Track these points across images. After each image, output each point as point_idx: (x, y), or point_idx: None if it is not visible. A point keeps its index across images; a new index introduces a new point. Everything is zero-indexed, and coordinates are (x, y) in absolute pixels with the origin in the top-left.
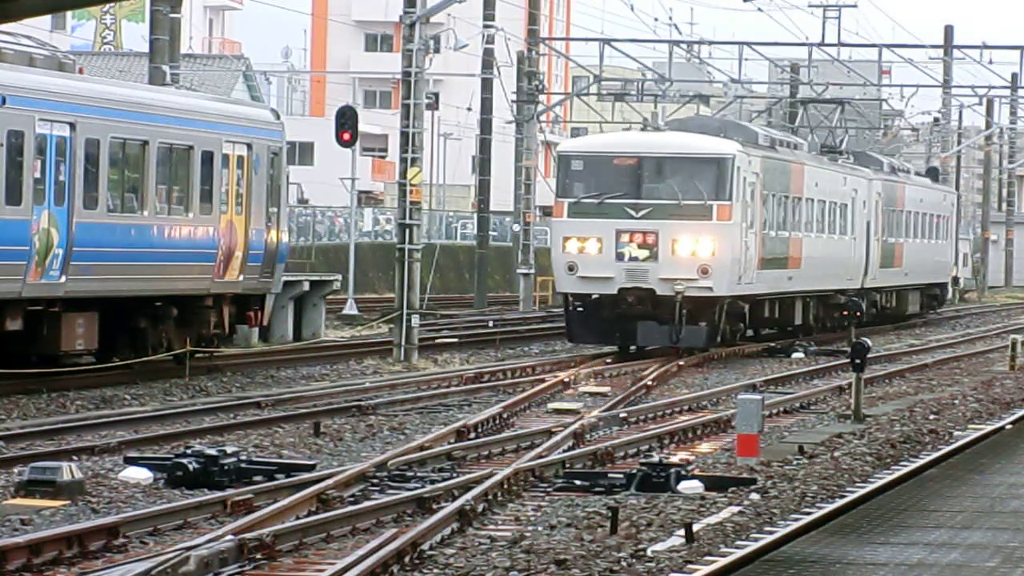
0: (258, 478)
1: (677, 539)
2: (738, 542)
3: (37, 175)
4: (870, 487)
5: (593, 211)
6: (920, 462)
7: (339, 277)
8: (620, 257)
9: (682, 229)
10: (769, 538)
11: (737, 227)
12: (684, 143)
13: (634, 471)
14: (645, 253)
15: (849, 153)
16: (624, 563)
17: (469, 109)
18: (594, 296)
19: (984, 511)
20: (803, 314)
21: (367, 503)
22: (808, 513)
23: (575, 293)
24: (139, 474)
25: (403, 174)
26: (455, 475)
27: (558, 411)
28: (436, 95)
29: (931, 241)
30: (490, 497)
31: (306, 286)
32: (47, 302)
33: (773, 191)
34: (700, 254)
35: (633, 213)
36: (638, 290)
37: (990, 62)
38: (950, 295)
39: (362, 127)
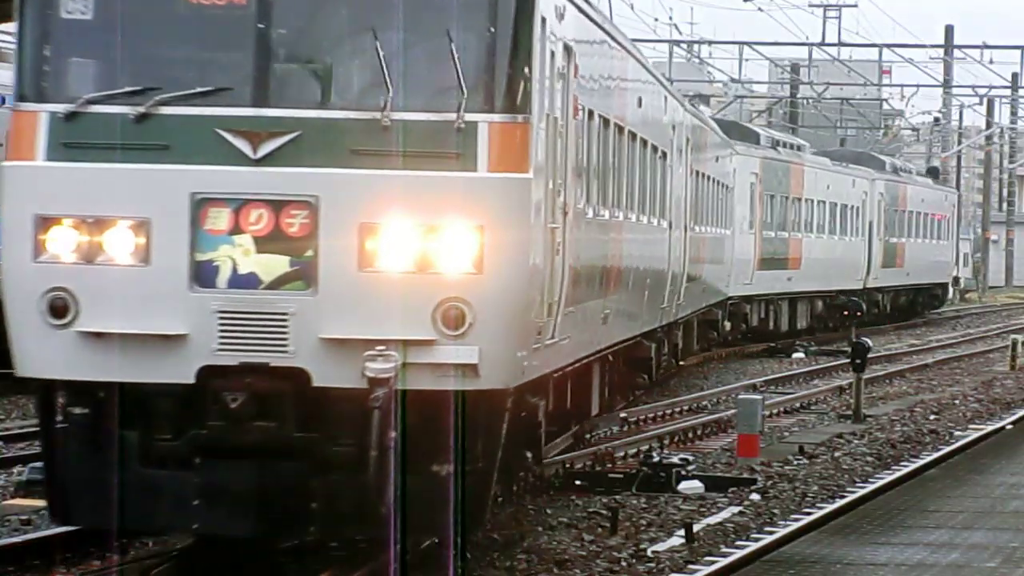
0: None
1: (677, 539)
2: (738, 542)
3: None
4: (870, 487)
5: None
6: (920, 462)
7: None
8: (204, 277)
9: (391, 193)
10: (769, 538)
11: (540, 187)
12: None
13: (634, 471)
14: (281, 266)
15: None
16: (624, 563)
17: None
18: (121, 388)
19: (984, 511)
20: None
21: None
22: (808, 513)
23: (71, 382)
24: None
25: None
26: None
27: None
28: None
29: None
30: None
31: None
32: None
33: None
34: (445, 265)
35: (247, 149)
36: (256, 372)
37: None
38: (950, 294)
39: None
